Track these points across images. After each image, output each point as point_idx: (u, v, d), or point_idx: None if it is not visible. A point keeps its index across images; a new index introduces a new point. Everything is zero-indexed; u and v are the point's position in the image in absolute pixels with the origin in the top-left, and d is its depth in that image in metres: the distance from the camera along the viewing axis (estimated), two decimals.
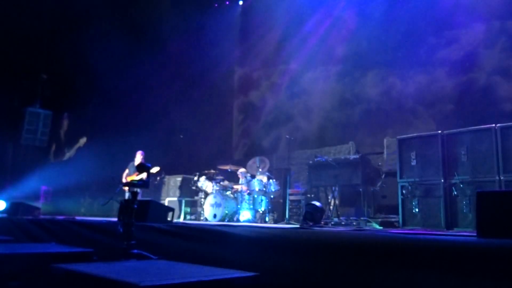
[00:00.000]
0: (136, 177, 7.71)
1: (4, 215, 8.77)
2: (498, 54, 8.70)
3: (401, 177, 6.12)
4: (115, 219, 5.90)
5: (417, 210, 5.84)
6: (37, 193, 12.31)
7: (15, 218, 7.66)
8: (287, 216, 8.78)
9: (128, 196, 4.07)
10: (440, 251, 2.78)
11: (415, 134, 6.19)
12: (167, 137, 12.43)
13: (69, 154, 14.30)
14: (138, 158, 9.56)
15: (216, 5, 13.90)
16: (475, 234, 3.16)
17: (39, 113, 13.21)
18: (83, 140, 13.84)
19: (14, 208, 8.55)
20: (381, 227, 6.43)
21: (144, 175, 3.98)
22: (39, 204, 11.61)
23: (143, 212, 5.15)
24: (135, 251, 3.81)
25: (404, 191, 6.01)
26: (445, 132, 5.83)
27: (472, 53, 8.90)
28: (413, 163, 6.02)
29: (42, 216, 8.18)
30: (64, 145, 14.63)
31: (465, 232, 4.47)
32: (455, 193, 5.50)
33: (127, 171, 9.62)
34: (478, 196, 3.20)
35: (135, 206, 4.00)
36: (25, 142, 13.37)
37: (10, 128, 13.68)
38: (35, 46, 13.02)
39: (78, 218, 7.43)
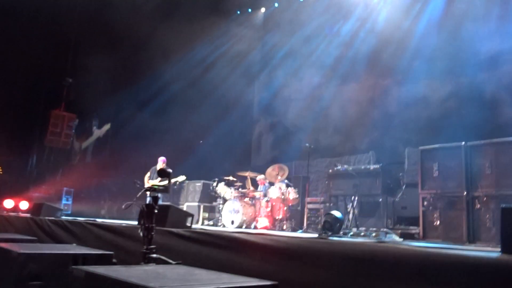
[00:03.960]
0: (159, 183, 7.82)
1: (27, 215, 8.95)
2: None
3: (422, 188, 6.01)
4: (135, 222, 5.97)
5: (438, 222, 5.73)
6: (59, 194, 12.54)
7: (37, 218, 7.80)
8: (304, 225, 8.73)
9: (149, 201, 4.10)
10: (462, 266, 2.72)
11: (437, 145, 6.07)
12: (187, 143, 12.55)
13: (89, 141, 14.46)
14: (160, 164, 9.67)
15: (238, 12, 13.98)
16: (498, 249, 3.09)
17: (64, 116, 13.47)
18: (106, 127, 13.99)
19: (36, 208, 8.71)
20: (401, 239, 6.33)
21: (166, 181, 4.00)
22: (61, 205, 11.83)
23: (163, 216, 5.18)
24: (155, 255, 3.83)
25: (425, 203, 5.91)
26: (468, 143, 5.71)
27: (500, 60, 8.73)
28: (435, 174, 5.91)
29: (63, 217, 8.32)
30: (82, 157, 14.87)
31: (488, 247, 4.36)
32: (478, 206, 5.38)
33: (148, 174, 9.76)
34: (502, 211, 3.12)
35: (155, 211, 4.03)
36: (49, 143, 13.66)
37: (35, 130, 14.01)
38: (61, 51, 13.33)
39: (98, 220, 7.53)
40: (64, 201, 12.61)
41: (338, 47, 11.66)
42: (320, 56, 12.04)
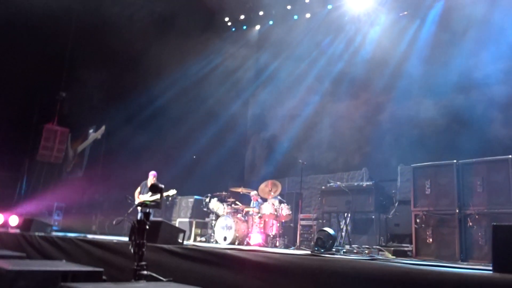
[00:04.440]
0: (150, 198, 7.76)
1: (17, 230, 8.82)
2: None
3: (415, 206, 6.04)
4: (126, 238, 5.90)
5: (431, 240, 5.74)
6: (50, 210, 12.40)
7: (27, 234, 7.69)
8: (297, 242, 8.69)
9: (140, 216, 4.06)
10: (454, 284, 2.71)
11: (430, 163, 6.12)
12: (180, 158, 12.51)
13: (85, 144, 14.29)
14: (151, 179, 9.60)
15: (233, 29, 14.11)
16: (490, 268, 3.09)
17: (56, 130, 13.37)
18: (101, 131, 13.87)
19: (26, 224, 8.59)
20: (393, 256, 6.31)
21: (158, 196, 3.96)
22: (51, 220, 11.69)
23: (154, 233, 5.13)
24: (145, 272, 3.78)
25: (418, 220, 5.92)
26: (460, 161, 5.76)
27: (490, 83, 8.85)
28: (428, 191, 5.94)
29: (53, 233, 8.21)
30: (78, 162, 14.73)
31: (481, 265, 4.36)
32: (470, 224, 5.39)
33: (139, 189, 9.67)
34: (494, 229, 3.13)
35: (147, 227, 3.99)
36: (40, 158, 13.53)
37: (27, 144, 13.90)
38: (55, 65, 13.32)
39: (89, 236, 7.44)
40: (54, 217, 12.46)
41: (331, 65, 11.80)
42: (314, 74, 12.16)
